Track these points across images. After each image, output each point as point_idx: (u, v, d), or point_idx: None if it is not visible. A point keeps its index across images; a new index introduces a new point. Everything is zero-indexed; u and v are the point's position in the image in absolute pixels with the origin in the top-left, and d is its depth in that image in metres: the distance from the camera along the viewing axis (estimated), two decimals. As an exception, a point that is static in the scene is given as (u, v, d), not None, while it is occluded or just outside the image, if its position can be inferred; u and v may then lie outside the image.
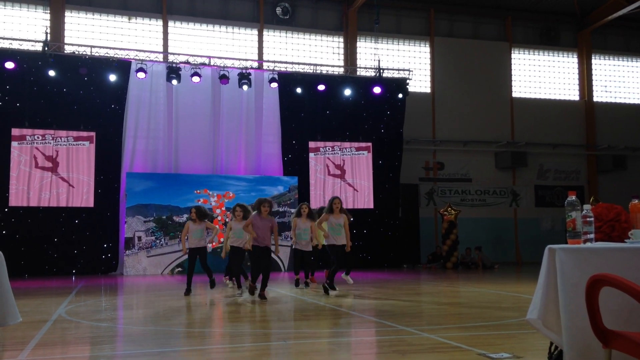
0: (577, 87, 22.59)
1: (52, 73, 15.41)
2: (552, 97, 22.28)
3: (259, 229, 8.86)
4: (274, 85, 17.38)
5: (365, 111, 18.41)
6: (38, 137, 15.64)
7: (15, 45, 15.81)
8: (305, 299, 9.13)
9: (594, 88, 22.64)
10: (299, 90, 17.53)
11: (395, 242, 18.34)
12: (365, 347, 5.48)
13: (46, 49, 15.70)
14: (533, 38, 22.24)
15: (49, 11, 17.21)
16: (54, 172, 15.73)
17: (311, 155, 17.97)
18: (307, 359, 4.84)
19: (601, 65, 22.94)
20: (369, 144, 18.44)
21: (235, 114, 17.54)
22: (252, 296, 9.11)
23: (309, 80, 17.79)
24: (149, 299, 9.84)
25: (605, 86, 22.93)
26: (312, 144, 17.99)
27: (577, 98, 22.51)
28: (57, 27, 17.08)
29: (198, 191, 16.40)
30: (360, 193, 18.26)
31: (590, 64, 22.58)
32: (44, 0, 17.09)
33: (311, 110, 17.98)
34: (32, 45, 16.05)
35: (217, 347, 5.53)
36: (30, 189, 15.44)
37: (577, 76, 22.61)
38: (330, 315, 7.44)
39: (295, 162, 17.85)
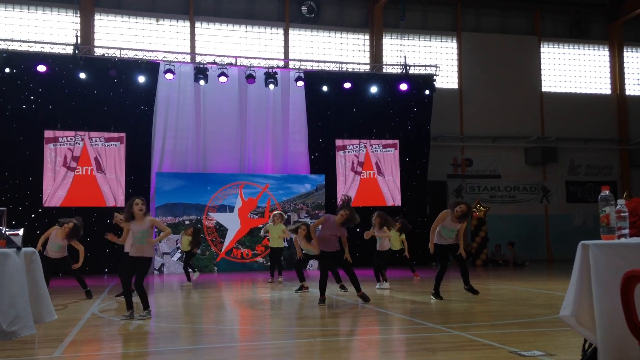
0: (608, 81, 22.11)
1: (82, 75, 15.67)
2: (583, 91, 21.84)
3: (328, 231, 8.34)
4: (300, 83, 17.40)
5: (392, 108, 18.30)
6: (70, 139, 15.94)
7: (46, 48, 16.12)
8: (333, 296, 9.13)
9: (626, 81, 22.12)
10: (325, 88, 17.51)
11: (423, 240, 18.14)
12: (395, 345, 5.46)
13: (77, 51, 15.97)
14: (562, 31, 21.82)
15: (78, 14, 17.50)
16: (86, 173, 16.01)
17: (338, 153, 17.95)
18: (336, 356, 4.85)
19: (633, 58, 22.40)
20: (396, 141, 18.33)
21: (262, 113, 17.62)
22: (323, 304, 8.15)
23: (335, 78, 17.76)
24: (179, 296, 9.96)
25: (638, 79, 22.39)
26: (338, 142, 17.96)
27: (608, 92, 22.04)
28: (87, 30, 17.35)
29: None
30: (388, 190, 18.17)
31: (622, 57, 22.07)
32: (74, 4, 17.38)
33: (337, 108, 17.95)
34: (63, 49, 16.33)
35: (247, 344, 5.57)
36: (63, 189, 15.74)
37: (608, 69, 22.13)
38: (360, 313, 7.43)
39: (322, 160, 17.85)
